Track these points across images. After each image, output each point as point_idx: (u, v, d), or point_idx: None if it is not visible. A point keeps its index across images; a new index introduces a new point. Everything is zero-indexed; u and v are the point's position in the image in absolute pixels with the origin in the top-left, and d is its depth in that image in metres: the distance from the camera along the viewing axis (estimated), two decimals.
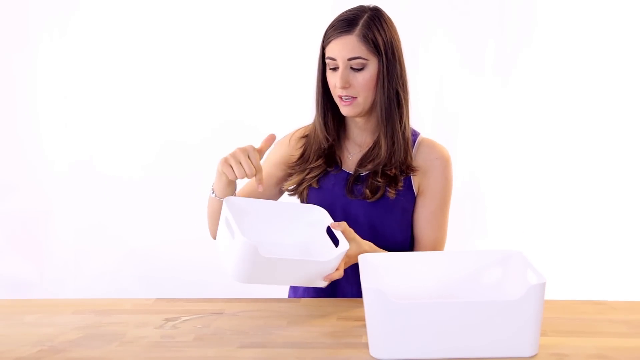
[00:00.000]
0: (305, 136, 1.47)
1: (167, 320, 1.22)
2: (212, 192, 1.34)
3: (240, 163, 1.22)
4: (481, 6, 2.46)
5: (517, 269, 1.13)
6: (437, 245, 1.42)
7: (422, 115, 2.47)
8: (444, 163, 1.40)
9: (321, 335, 1.12)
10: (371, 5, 1.35)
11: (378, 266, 1.17)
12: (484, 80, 2.50)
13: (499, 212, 2.57)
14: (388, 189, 1.36)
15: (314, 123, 1.45)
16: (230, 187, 1.31)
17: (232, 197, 1.29)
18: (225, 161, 1.24)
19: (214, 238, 1.42)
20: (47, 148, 2.62)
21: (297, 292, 1.51)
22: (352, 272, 1.36)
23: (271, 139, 1.28)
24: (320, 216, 1.33)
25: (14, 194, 2.63)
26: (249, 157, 1.23)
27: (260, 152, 1.26)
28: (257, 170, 1.23)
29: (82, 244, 2.64)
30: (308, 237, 1.34)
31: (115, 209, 2.62)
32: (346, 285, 1.42)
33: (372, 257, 1.18)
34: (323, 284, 1.22)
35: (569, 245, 2.47)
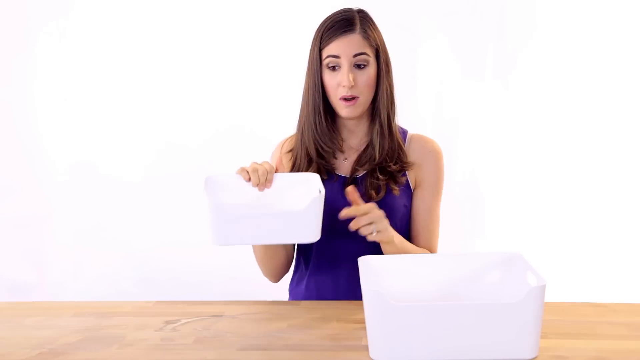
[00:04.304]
0: (291, 150, 1.46)
1: (167, 322, 1.22)
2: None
3: (257, 170, 1.28)
4: (481, 10, 2.46)
5: (517, 271, 1.13)
6: (431, 236, 1.43)
7: (422, 118, 2.47)
8: (437, 155, 1.43)
9: (321, 338, 1.12)
10: (357, 8, 1.38)
11: (378, 268, 1.17)
12: (483, 84, 2.50)
13: (499, 214, 2.57)
14: (391, 186, 1.37)
15: (300, 133, 1.43)
16: None
17: (214, 176, 1.29)
18: (242, 168, 1.30)
19: (272, 279, 1.51)
20: (47, 150, 2.62)
21: (297, 296, 1.51)
22: (351, 274, 1.37)
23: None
24: (314, 184, 1.31)
25: (14, 196, 2.63)
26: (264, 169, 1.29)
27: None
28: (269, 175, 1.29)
29: (82, 246, 2.64)
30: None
31: (115, 211, 2.62)
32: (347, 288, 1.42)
33: (372, 259, 1.18)
34: (312, 236, 1.21)
35: (569, 248, 2.47)
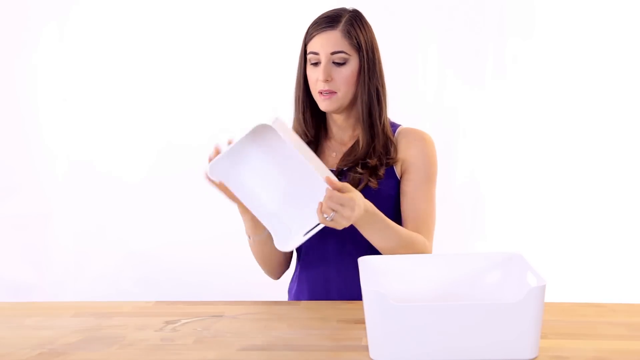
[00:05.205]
0: None
1: (167, 323, 1.22)
2: (249, 238, 1.38)
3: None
4: (481, 10, 2.46)
5: (517, 272, 1.13)
6: (425, 219, 1.39)
7: (422, 118, 2.47)
8: (423, 142, 1.42)
9: (321, 338, 1.12)
10: (351, 8, 1.41)
11: (378, 268, 1.17)
12: (483, 84, 2.51)
13: (499, 215, 2.57)
14: (370, 179, 1.37)
15: (292, 125, 1.47)
16: (258, 221, 1.30)
17: (281, 121, 1.26)
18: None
19: (272, 277, 1.50)
20: (47, 150, 2.62)
21: (290, 293, 1.52)
22: (341, 272, 1.38)
23: None
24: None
25: (14, 196, 2.63)
26: None
27: None
28: None
29: (82, 246, 2.64)
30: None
31: (115, 212, 2.62)
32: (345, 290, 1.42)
33: (372, 259, 1.18)
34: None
35: (569, 248, 2.47)
